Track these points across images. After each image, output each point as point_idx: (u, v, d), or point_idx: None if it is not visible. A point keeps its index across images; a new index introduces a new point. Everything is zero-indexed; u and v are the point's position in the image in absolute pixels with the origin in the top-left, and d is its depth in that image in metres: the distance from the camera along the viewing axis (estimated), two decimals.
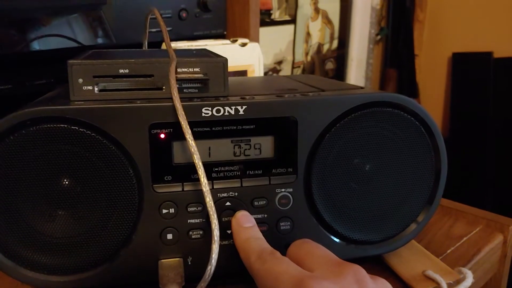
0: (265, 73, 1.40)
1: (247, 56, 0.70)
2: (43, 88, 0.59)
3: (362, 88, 0.49)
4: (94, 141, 0.40)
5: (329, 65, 1.59)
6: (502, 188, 1.55)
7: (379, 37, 1.70)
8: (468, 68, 1.61)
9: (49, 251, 0.42)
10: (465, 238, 0.54)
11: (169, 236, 0.43)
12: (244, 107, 0.42)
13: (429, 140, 0.46)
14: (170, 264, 0.42)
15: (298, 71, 1.50)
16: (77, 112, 0.40)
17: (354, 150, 0.45)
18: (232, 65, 0.69)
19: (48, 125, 0.39)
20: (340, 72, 1.63)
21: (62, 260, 0.42)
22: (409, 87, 1.70)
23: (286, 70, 1.46)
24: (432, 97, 1.73)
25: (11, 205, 0.40)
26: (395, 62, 1.70)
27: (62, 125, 0.40)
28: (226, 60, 0.44)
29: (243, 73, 0.70)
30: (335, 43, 1.58)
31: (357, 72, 1.64)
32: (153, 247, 0.42)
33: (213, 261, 0.37)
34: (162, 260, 0.42)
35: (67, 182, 0.41)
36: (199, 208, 0.43)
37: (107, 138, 0.40)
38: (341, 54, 1.61)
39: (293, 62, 1.48)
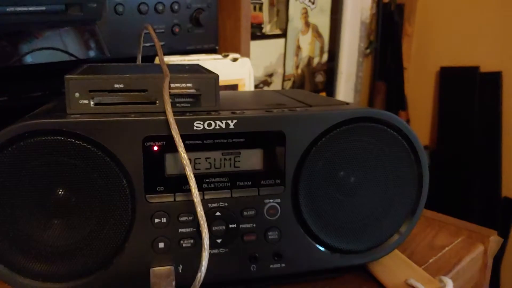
0: (256, 86, 1.42)
1: (238, 71, 0.72)
2: (39, 100, 0.60)
3: (347, 104, 0.51)
4: (89, 153, 0.42)
5: (319, 78, 1.62)
6: (486, 198, 1.58)
7: (368, 50, 1.73)
8: (455, 82, 1.65)
9: (44, 259, 0.43)
10: (447, 248, 0.56)
11: (161, 245, 0.44)
12: (234, 121, 0.44)
13: (411, 154, 0.48)
14: (162, 272, 0.44)
15: (288, 84, 1.52)
16: (73, 125, 0.41)
17: (340, 163, 0.47)
18: (223, 79, 0.71)
19: (46, 138, 0.41)
20: (329, 85, 1.65)
21: (57, 267, 0.43)
22: (398, 99, 1.73)
23: (276, 83, 1.48)
24: (421, 109, 1.76)
25: (8, 214, 0.42)
26: (384, 75, 1.73)
27: (59, 138, 0.41)
28: (217, 76, 0.46)
29: (234, 87, 0.72)
30: (325, 57, 1.61)
31: (346, 85, 1.67)
32: (145, 255, 0.44)
33: (203, 268, 0.39)
34: (154, 268, 0.44)
35: (62, 192, 0.42)
36: (190, 218, 0.44)
37: (102, 150, 0.42)
38: (330, 67, 1.64)
39: (284, 75, 1.50)
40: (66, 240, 0.43)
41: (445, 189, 1.62)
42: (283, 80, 1.51)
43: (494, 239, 0.57)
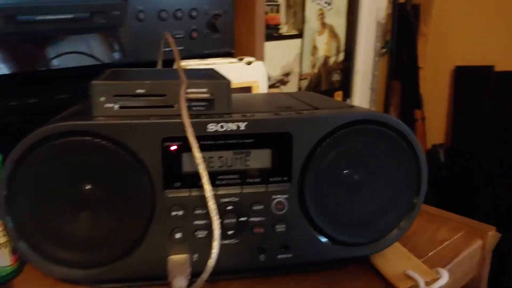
0: (273, 85, 1.46)
1: (252, 74, 0.76)
2: (66, 102, 0.65)
3: (352, 107, 0.55)
4: (113, 152, 0.46)
5: (335, 77, 1.65)
6: (500, 195, 1.59)
7: (384, 50, 1.75)
8: (470, 81, 1.66)
9: (72, 248, 0.48)
10: (446, 243, 0.59)
11: (178, 235, 0.49)
12: (245, 123, 0.48)
13: (411, 154, 0.52)
14: (178, 260, 0.48)
15: (305, 83, 1.55)
16: (99, 127, 0.46)
17: (344, 162, 0.51)
18: (238, 82, 0.75)
19: (74, 138, 0.46)
20: (346, 83, 1.68)
21: (83, 256, 0.48)
22: (413, 98, 1.74)
23: (293, 82, 1.52)
24: (436, 108, 1.78)
25: (39, 207, 0.47)
26: (399, 74, 1.75)
27: (87, 138, 0.46)
28: (229, 82, 0.50)
29: (248, 89, 0.76)
30: (341, 56, 1.64)
31: (362, 83, 1.69)
32: (164, 245, 0.48)
33: (213, 255, 0.43)
34: (171, 257, 0.48)
35: (89, 188, 0.47)
36: (204, 211, 0.48)
37: (125, 150, 0.46)
38: (347, 66, 1.67)
39: (300, 74, 1.53)
40: (92, 232, 0.47)
41: (459, 186, 1.64)
42: (300, 79, 1.54)
43: (493, 234, 0.60)
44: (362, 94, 1.70)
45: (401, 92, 1.77)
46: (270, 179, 0.50)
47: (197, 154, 0.45)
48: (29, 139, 0.45)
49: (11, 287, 0.51)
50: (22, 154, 0.45)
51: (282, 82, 1.49)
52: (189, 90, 0.49)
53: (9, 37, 0.63)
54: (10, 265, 0.51)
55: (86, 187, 0.47)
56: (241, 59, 0.76)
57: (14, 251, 0.51)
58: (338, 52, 1.62)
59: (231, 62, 0.75)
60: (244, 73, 0.76)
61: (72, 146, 0.46)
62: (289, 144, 0.49)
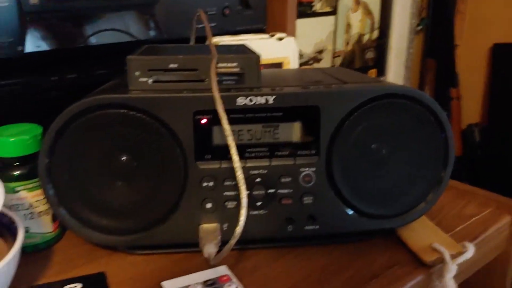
0: (306, 62, 1.45)
1: (283, 50, 0.77)
2: (103, 77, 0.67)
3: (381, 81, 0.55)
4: (148, 124, 0.48)
5: (369, 55, 1.63)
6: None
7: (419, 27, 1.72)
8: (508, 58, 1.62)
9: (110, 216, 0.50)
10: (474, 218, 0.59)
11: (208, 205, 0.51)
12: (273, 97, 0.49)
13: (438, 129, 0.52)
14: (209, 229, 0.50)
15: (338, 60, 1.54)
16: (134, 100, 0.48)
17: (371, 136, 0.51)
18: (269, 58, 0.76)
19: (111, 110, 0.48)
20: (380, 61, 1.66)
21: (120, 223, 0.51)
22: (449, 76, 1.71)
23: (326, 59, 1.51)
24: (471, 86, 1.74)
25: (78, 175, 0.49)
26: (435, 52, 1.72)
27: (123, 111, 0.48)
28: (259, 56, 0.51)
29: (279, 65, 0.77)
30: (375, 33, 1.62)
31: (397, 61, 1.67)
32: (195, 214, 0.51)
33: (240, 223, 0.45)
34: (202, 225, 0.51)
35: (125, 158, 0.49)
36: (233, 182, 0.50)
37: (159, 122, 0.48)
38: (381, 44, 1.64)
39: (334, 52, 1.52)
40: (128, 200, 0.50)
41: (494, 166, 1.61)
42: (333, 57, 1.53)
43: None
44: (396, 72, 1.68)
45: (436, 70, 1.74)
46: (298, 152, 0.51)
47: (226, 126, 0.46)
48: (70, 111, 0.47)
49: (52, 252, 0.54)
50: (62, 125, 0.48)
51: (315, 59, 1.49)
52: (219, 65, 0.50)
53: (49, 15, 0.65)
54: (51, 231, 0.54)
55: (122, 158, 0.49)
56: (272, 35, 0.77)
57: (54, 218, 0.54)
58: (372, 29, 1.60)
59: (262, 38, 0.76)
60: (275, 49, 0.77)
61: (109, 118, 0.48)
62: (317, 118, 0.50)
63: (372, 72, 1.66)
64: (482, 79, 1.72)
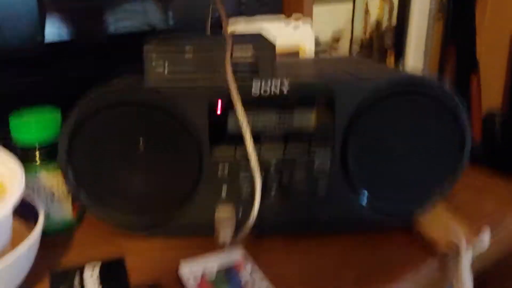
0: (323, 50, 1.45)
1: (299, 37, 0.77)
2: (122, 67, 0.68)
3: (398, 71, 0.55)
4: (164, 114, 0.49)
5: (388, 41, 1.61)
6: None
7: (439, 14, 1.69)
8: None
9: (127, 200, 0.52)
10: (491, 205, 0.59)
11: (224, 192, 0.51)
12: (288, 87, 0.50)
13: (455, 120, 0.51)
14: (224, 215, 0.51)
15: (356, 48, 1.53)
16: (151, 92, 0.49)
17: (387, 125, 0.51)
18: (285, 45, 0.76)
19: (130, 103, 0.49)
20: (398, 48, 1.64)
21: (137, 207, 0.52)
22: (469, 63, 1.68)
23: (344, 47, 1.50)
24: (492, 73, 1.71)
25: (98, 163, 0.51)
26: (455, 39, 1.69)
27: (140, 102, 0.49)
28: (274, 46, 0.51)
29: (295, 53, 0.77)
30: (394, 20, 1.60)
31: (416, 48, 1.65)
32: (211, 200, 0.51)
33: (254, 209, 0.45)
34: (218, 211, 0.51)
35: (142, 147, 0.50)
36: (248, 170, 0.51)
37: (175, 112, 0.49)
38: (400, 31, 1.62)
39: (351, 39, 1.51)
40: (146, 187, 0.51)
41: None
42: (351, 44, 1.52)
43: None
44: (415, 59, 1.66)
45: (456, 57, 1.71)
46: (313, 140, 0.52)
47: (241, 116, 0.47)
48: (88, 102, 0.48)
49: (72, 235, 0.55)
50: (81, 115, 0.49)
51: (332, 47, 1.48)
52: (234, 55, 0.50)
53: (68, 4, 0.66)
54: (71, 215, 0.56)
55: (139, 147, 0.50)
56: (288, 22, 0.77)
57: (74, 201, 0.55)
58: (390, 16, 1.59)
59: (279, 26, 0.76)
60: (292, 37, 0.77)
61: (126, 109, 0.49)
62: (332, 106, 0.51)
63: (391, 59, 1.64)
64: (503, 66, 1.69)
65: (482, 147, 1.68)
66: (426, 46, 1.67)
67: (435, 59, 1.74)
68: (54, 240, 0.54)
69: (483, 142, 1.71)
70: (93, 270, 0.48)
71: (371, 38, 1.56)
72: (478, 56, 1.70)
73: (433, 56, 1.72)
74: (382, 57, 1.60)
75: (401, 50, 1.64)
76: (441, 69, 1.74)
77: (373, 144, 0.52)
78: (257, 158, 0.48)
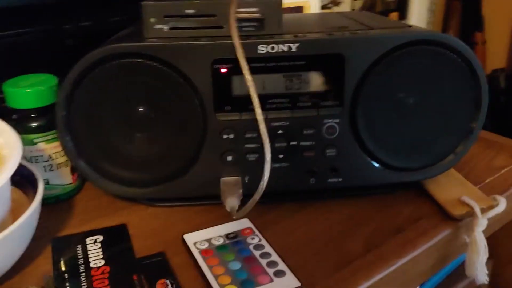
0: (325, 5, 1.40)
1: None
2: (118, 24, 0.65)
3: (410, 26, 0.52)
4: (165, 73, 0.46)
5: None
6: None
7: None
8: None
9: (130, 168, 0.50)
10: (504, 169, 0.57)
11: (229, 158, 0.49)
12: (296, 44, 0.47)
13: (471, 77, 0.49)
14: (230, 181, 0.49)
15: (358, 4, 1.49)
16: (150, 48, 0.46)
17: (399, 85, 0.49)
18: (290, 1, 0.72)
19: (127, 60, 0.46)
20: (402, 4, 1.60)
21: (140, 175, 0.50)
22: (474, 20, 1.64)
23: (346, 2, 1.46)
24: (497, 30, 1.67)
25: (98, 127, 0.48)
26: None
27: (138, 60, 0.46)
28: (281, 0, 0.48)
29: (299, 9, 0.74)
30: None
31: (420, 4, 1.60)
32: (216, 166, 0.49)
33: (264, 178, 0.43)
34: (224, 178, 0.49)
35: (143, 109, 0.48)
36: (254, 135, 0.48)
37: (176, 72, 0.46)
38: None
39: None
40: (148, 151, 0.49)
41: None
42: (353, 0, 1.48)
43: None
44: (419, 16, 1.61)
45: (461, 14, 1.67)
46: (321, 103, 0.49)
47: (248, 77, 0.44)
48: (85, 61, 0.46)
49: (72, 203, 0.53)
50: (79, 75, 0.46)
51: (335, 2, 1.43)
52: (239, 10, 0.47)
53: None
54: (71, 183, 0.54)
55: (140, 108, 0.48)
56: None
57: (73, 169, 0.53)
58: None
59: None
60: None
61: (125, 67, 0.46)
62: (342, 66, 0.48)
63: (394, 16, 1.60)
64: (509, 23, 1.65)
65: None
66: (430, 1, 1.62)
67: (439, 15, 1.70)
68: (56, 208, 0.52)
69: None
70: (95, 236, 0.47)
71: None
72: (483, 13, 1.66)
73: (437, 12, 1.68)
74: (386, 15, 1.56)
75: (404, 6, 1.60)
76: (445, 25, 1.70)
77: (384, 105, 0.49)
78: (264, 122, 0.45)
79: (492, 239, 0.57)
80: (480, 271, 0.47)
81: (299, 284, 0.39)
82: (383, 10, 1.55)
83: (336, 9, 1.43)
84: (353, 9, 1.47)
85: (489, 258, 0.63)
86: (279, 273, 0.41)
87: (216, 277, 0.40)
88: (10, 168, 0.40)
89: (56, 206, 0.52)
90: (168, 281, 0.40)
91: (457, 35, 1.70)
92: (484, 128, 0.58)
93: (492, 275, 0.66)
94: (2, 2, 0.59)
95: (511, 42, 1.66)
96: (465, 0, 1.65)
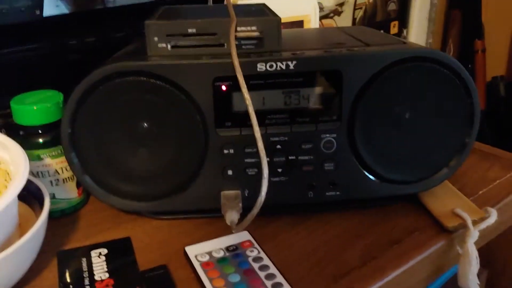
0: (327, 15, 1.42)
1: (303, 7, 0.75)
2: (122, 40, 0.67)
3: (405, 43, 0.54)
4: (168, 91, 0.48)
5: (392, 6, 1.58)
6: None
7: None
8: None
9: (133, 182, 0.51)
10: (498, 181, 0.59)
11: (229, 172, 0.51)
12: (294, 62, 0.48)
13: (464, 93, 0.50)
14: (231, 195, 0.51)
15: (359, 13, 1.50)
16: (153, 67, 0.47)
17: (394, 100, 0.50)
18: (289, 16, 0.74)
19: (130, 78, 0.47)
20: (402, 13, 1.61)
21: (143, 189, 0.51)
22: (474, 28, 1.65)
23: (347, 12, 1.47)
24: (497, 38, 1.68)
25: (102, 143, 0.49)
26: (460, 3, 1.66)
27: (142, 78, 0.48)
28: (280, 19, 0.50)
29: (299, 23, 0.75)
30: None
31: (420, 13, 1.62)
32: (217, 181, 0.51)
33: (262, 193, 0.45)
34: (224, 192, 0.51)
35: (146, 125, 0.49)
36: (254, 150, 0.50)
37: (179, 89, 0.48)
38: None
39: (355, 4, 1.48)
40: (150, 166, 0.50)
41: None
42: (354, 9, 1.49)
43: None
44: (419, 25, 1.63)
45: (461, 22, 1.68)
46: (320, 118, 0.50)
47: (246, 95, 0.46)
48: (89, 79, 0.47)
49: (77, 217, 0.55)
50: (83, 94, 0.47)
51: (336, 12, 1.45)
52: (239, 29, 0.49)
53: None
54: (76, 196, 0.55)
55: (144, 125, 0.49)
56: None
57: (78, 184, 0.55)
58: None
59: None
60: (296, 6, 0.75)
61: (128, 85, 0.48)
62: (339, 82, 0.49)
63: (394, 25, 1.61)
64: (509, 31, 1.66)
65: (486, 113, 1.67)
66: (430, 10, 1.63)
67: (440, 24, 1.71)
68: (61, 222, 0.53)
69: (487, 108, 1.70)
70: (100, 249, 0.48)
71: (375, 3, 1.53)
72: (483, 21, 1.67)
73: (437, 21, 1.69)
74: (386, 24, 1.57)
75: (404, 15, 1.61)
76: (445, 34, 1.71)
77: (381, 120, 0.50)
78: (261, 138, 0.46)
79: (487, 250, 0.58)
80: (472, 282, 0.48)
81: None
82: (384, 20, 1.56)
83: (337, 19, 1.45)
84: (354, 18, 1.49)
85: (484, 268, 0.65)
86: (277, 286, 0.42)
87: None
88: (18, 184, 0.41)
89: (61, 220, 0.54)
90: None
91: (457, 44, 1.71)
92: (483, 135, 0.59)
93: (487, 285, 0.68)
94: (6, 19, 0.61)
95: (511, 50, 1.67)
96: (465, 9, 1.66)
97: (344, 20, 1.46)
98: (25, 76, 0.65)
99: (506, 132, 1.61)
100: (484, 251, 0.50)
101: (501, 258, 0.67)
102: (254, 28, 0.49)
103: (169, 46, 0.49)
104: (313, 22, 0.77)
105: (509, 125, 1.62)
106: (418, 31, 1.65)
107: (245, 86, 0.46)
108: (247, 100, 0.46)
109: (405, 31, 1.63)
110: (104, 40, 0.70)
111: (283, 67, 0.48)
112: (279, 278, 0.43)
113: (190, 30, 0.49)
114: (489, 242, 0.57)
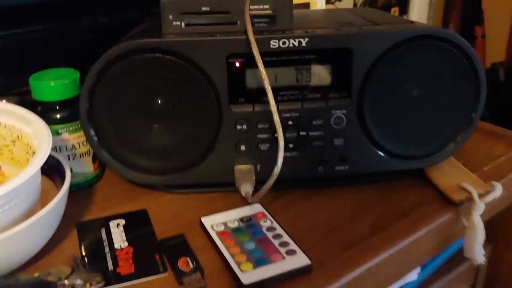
0: (328, 0, 1.42)
1: None
2: (134, 20, 0.67)
3: (412, 22, 0.55)
4: (183, 68, 0.49)
5: None
6: None
7: None
8: None
9: (149, 157, 0.53)
10: (502, 158, 0.60)
11: (243, 147, 0.52)
12: (306, 39, 0.50)
13: (470, 70, 0.52)
14: (244, 169, 0.52)
15: None
16: (169, 44, 0.49)
17: (403, 77, 0.51)
18: None
19: (147, 55, 0.49)
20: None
21: (159, 163, 0.53)
22: (474, 14, 1.66)
23: None
24: (497, 24, 1.69)
25: (119, 119, 0.51)
26: None
27: (158, 55, 0.49)
28: None
29: (306, 5, 0.76)
30: None
31: None
32: (230, 155, 0.52)
33: (278, 164, 0.46)
34: (237, 166, 0.52)
35: (161, 101, 0.51)
36: (266, 126, 0.51)
37: (193, 66, 0.49)
38: None
39: None
40: (166, 141, 0.52)
41: None
42: None
43: None
44: (419, 10, 1.63)
45: (461, 8, 1.69)
46: (330, 95, 0.52)
47: (262, 70, 0.47)
48: (108, 55, 0.48)
49: (93, 191, 0.56)
50: (101, 69, 0.49)
51: None
52: (251, 7, 0.50)
53: None
54: (92, 171, 0.57)
55: (159, 101, 0.51)
56: None
57: (94, 158, 0.56)
58: None
59: None
60: None
61: (145, 62, 0.49)
62: (350, 60, 0.51)
63: (395, 11, 1.62)
64: (508, 17, 1.67)
65: (486, 98, 1.68)
66: None
67: (439, 9, 1.72)
68: (78, 195, 0.55)
69: (487, 93, 1.71)
70: (118, 220, 0.50)
71: None
72: (483, 7, 1.68)
73: (437, 6, 1.70)
74: (387, 10, 1.58)
75: (405, 1, 1.62)
76: (445, 20, 1.72)
77: (390, 97, 0.52)
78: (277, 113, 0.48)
79: (491, 225, 0.60)
80: (477, 252, 0.50)
81: (309, 261, 0.42)
82: (384, 5, 1.57)
83: (339, 5, 1.46)
84: (355, 4, 1.49)
85: (487, 243, 0.67)
86: (291, 252, 0.44)
87: (232, 255, 0.43)
88: (41, 157, 0.42)
89: (77, 193, 0.55)
90: (188, 259, 0.43)
91: (457, 29, 1.72)
92: (484, 120, 0.61)
93: (491, 260, 0.70)
94: (22, 0, 0.62)
95: (510, 35, 1.68)
96: None
97: (345, 6, 1.47)
98: (39, 55, 0.66)
99: (506, 117, 1.63)
100: (488, 227, 0.51)
101: (504, 234, 0.68)
102: (266, 6, 0.51)
103: (183, 24, 0.50)
104: (319, 4, 0.78)
105: (509, 110, 1.64)
106: (419, 16, 1.65)
107: (261, 61, 0.47)
108: (263, 74, 0.47)
109: (405, 17, 1.64)
110: (116, 20, 0.71)
111: (296, 44, 0.50)
112: (292, 246, 0.44)
113: (204, 8, 0.50)
114: (492, 218, 0.59)
